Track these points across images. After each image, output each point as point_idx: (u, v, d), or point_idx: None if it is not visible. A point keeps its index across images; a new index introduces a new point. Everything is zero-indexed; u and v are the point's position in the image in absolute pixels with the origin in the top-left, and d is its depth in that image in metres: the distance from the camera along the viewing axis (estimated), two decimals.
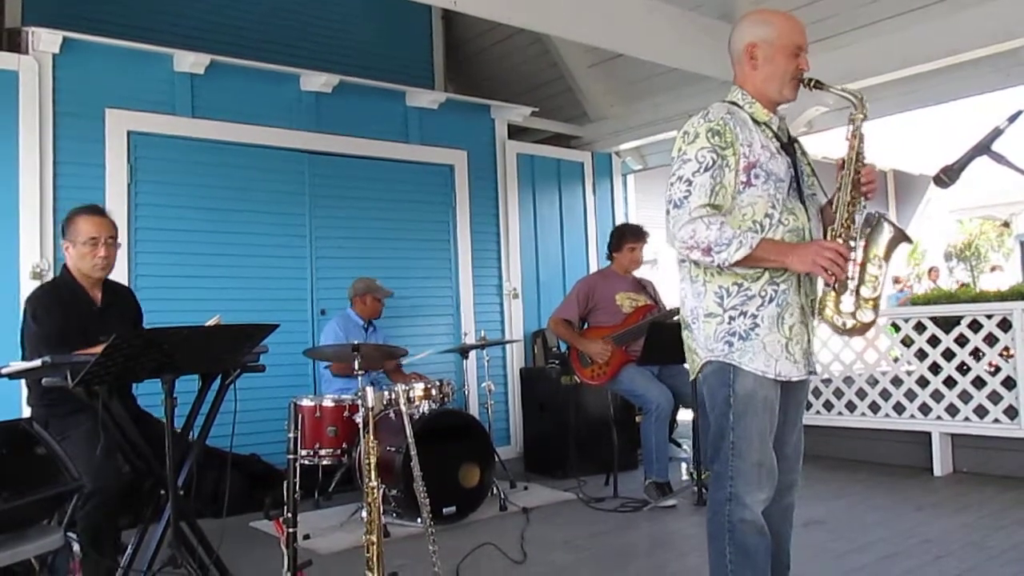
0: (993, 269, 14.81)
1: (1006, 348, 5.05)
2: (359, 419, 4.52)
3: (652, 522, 4.41)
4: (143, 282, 4.96)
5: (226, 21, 6.13)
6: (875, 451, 5.67)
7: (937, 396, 5.26)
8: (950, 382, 5.21)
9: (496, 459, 4.86)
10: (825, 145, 7.82)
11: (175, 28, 5.78)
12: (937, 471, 5.20)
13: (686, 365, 2.48)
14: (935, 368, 5.30)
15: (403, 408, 3.74)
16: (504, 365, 6.70)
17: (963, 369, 5.18)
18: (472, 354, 5.79)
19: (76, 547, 2.86)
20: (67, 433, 2.95)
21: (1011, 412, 4.91)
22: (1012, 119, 2.20)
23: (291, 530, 2.61)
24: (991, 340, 5.07)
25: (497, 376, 6.43)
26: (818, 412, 5.81)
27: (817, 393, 5.83)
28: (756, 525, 2.27)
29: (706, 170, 2.23)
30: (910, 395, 5.40)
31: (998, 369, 5.03)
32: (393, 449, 4.30)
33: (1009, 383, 4.94)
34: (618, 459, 5.17)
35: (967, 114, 8.22)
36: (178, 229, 5.24)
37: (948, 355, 5.24)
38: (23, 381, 3.27)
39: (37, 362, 2.72)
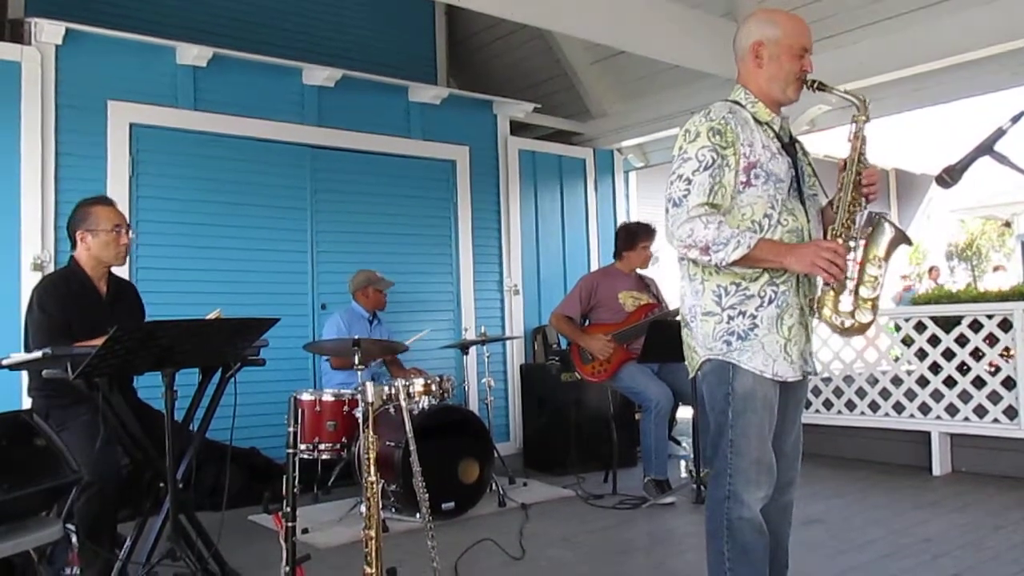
0: (996, 269, 14.78)
1: (1006, 348, 5.05)
2: (359, 414, 4.53)
3: (651, 519, 4.41)
4: (144, 275, 4.96)
5: (229, 14, 6.13)
6: (874, 450, 5.67)
7: (937, 396, 5.26)
8: (950, 382, 5.21)
9: (495, 455, 4.87)
10: (828, 144, 7.82)
11: (178, 21, 5.77)
12: (936, 471, 5.21)
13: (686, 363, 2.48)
14: (935, 368, 5.30)
15: (403, 403, 3.74)
16: (504, 361, 6.70)
17: (963, 369, 5.18)
18: (472, 350, 5.79)
19: (75, 539, 2.87)
20: (66, 424, 2.95)
21: (1011, 412, 4.92)
22: (1015, 119, 2.20)
23: (290, 524, 2.61)
24: (991, 340, 5.08)
25: (497, 372, 6.44)
26: (818, 411, 5.81)
27: (817, 392, 5.83)
28: (755, 523, 2.27)
29: (706, 169, 2.23)
30: (910, 394, 5.40)
31: (998, 369, 5.03)
32: (392, 444, 4.30)
33: (1009, 383, 4.94)
34: (617, 456, 5.18)
35: (970, 114, 8.22)
36: (179, 222, 5.24)
37: (948, 355, 5.24)
38: (23, 372, 3.26)
39: (38, 354, 2.72)
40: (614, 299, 5.05)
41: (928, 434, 5.28)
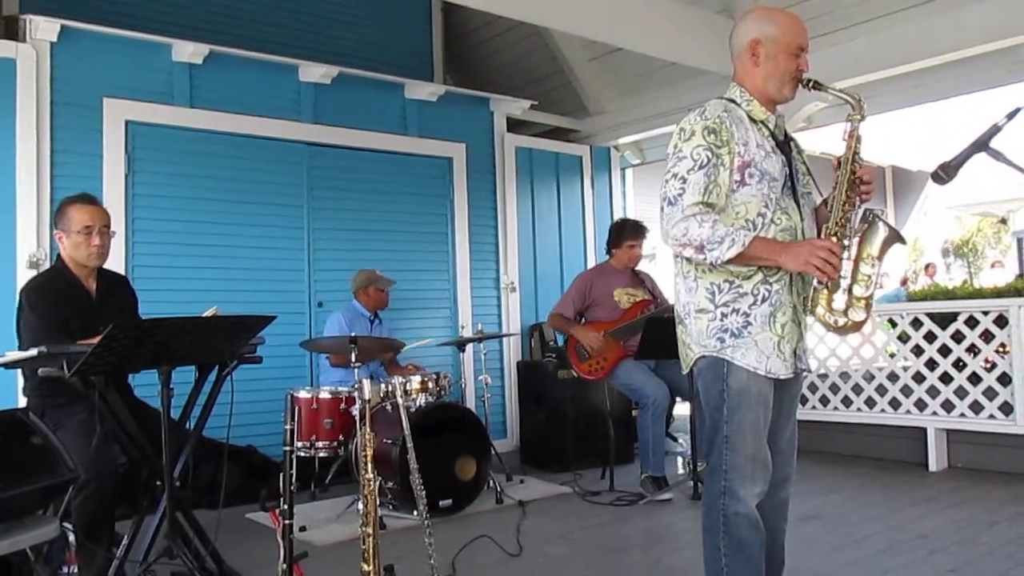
0: (994, 265, 14.79)
1: (1002, 344, 5.06)
2: (356, 411, 4.52)
3: (648, 516, 4.42)
4: (140, 272, 4.95)
5: (226, 11, 6.11)
6: (870, 446, 5.68)
7: (933, 392, 5.27)
8: (946, 378, 5.22)
9: (492, 452, 4.87)
10: (825, 141, 7.83)
11: (174, 18, 5.76)
12: (932, 467, 5.22)
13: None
14: (931, 364, 5.31)
15: (400, 401, 3.74)
16: (501, 359, 6.70)
17: (959, 365, 5.19)
18: (469, 347, 5.79)
19: (72, 537, 2.87)
20: (62, 423, 2.94)
21: (1006, 408, 4.93)
22: (1011, 116, 2.20)
23: (287, 522, 2.61)
24: (987, 336, 5.09)
25: (494, 369, 6.44)
26: (814, 407, 5.82)
27: (813, 388, 5.84)
28: (750, 519, 2.27)
29: (701, 168, 2.23)
30: (906, 391, 5.41)
31: (994, 365, 5.04)
32: (390, 441, 4.31)
33: (1005, 379, 4.95)
34: (614, 453, 5.18)
35: (965, 111, 8.22)
36: (175, 219, 5.23)
37: (944, 351, 5.25)
38: (19, 371, 3.26)
39: (33, 352, 2.71)
40: (609, 296, 5.05)
41: (924, 430, 5.30)
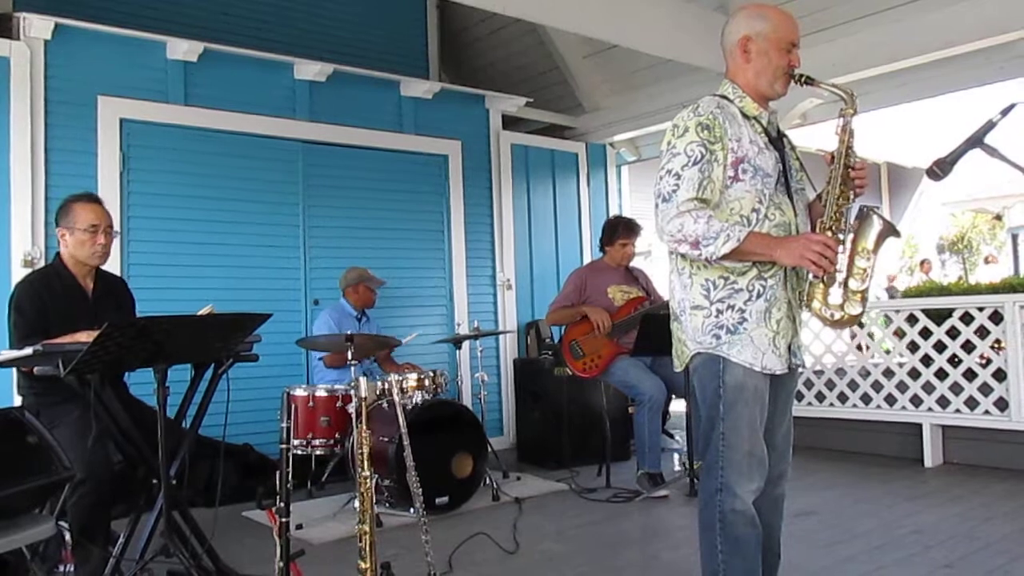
0: (988, 260, 14.81)
1: (997, 341, 5.07)
2: (352, 409, 4.52)
3: (644, 513, 4.43)
4: (136, 271, 4.95)
5: (220, 9, 6.10)
6: (866, 442, 5.69)
7: (928, 388, 5.29)
8: (941, 374, 5.23)
9: (489, 449, 4.87)
10: (820, 137, 7.83)
11: (168, 15, 5.74)
12: (928, 462, 5.24)
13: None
14: (927, 360, 5.33)
15: (396, 398, 3.74)
16: (497, 356, 6.70)
17: (954, 361, 5.21)
18: (465, 345, 5.79)
19: (67, 536, 2.87)
20: (58, 422, 2.94)
21: (1001, 404, 4.94)
22: (1005, 112, 2.21)
23: (284, 520, 2.61)
24: (982, 332, 5.10)
25: (490, 367, 6.44)
26: (810, 403, 5.83)
27: (809, 384, 5.85)
28: (747, 515, 2.28)
29: (695, 164, 2.23)
30: (902, 387, 5.42)
31: (989, 361, 5.05)
32: (386, 439, 4.31)
33: (1000, 375, 4.97)
34: (611, 450, 5.19)
35: (960, 107, 8.23)
36: (171, 218, 5.22)
37: (940, 347, 5.27)
38: (14, 369, 3.25)
39: (28, 350, 2.71)
40: (603, 294, 5.05)
41: (920, 426, 5.31)
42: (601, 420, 5.25)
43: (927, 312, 5.40)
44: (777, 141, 2.40)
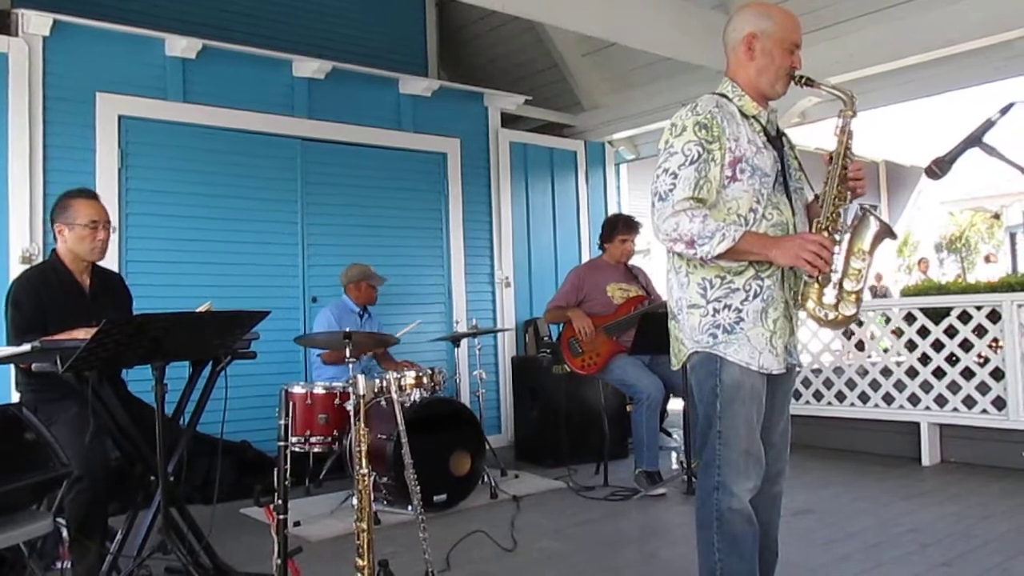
0: (987, 259, 14.81)
1: (995, 339, 5.08)
2: (350, 406, 4.51)
3: (642, 511, 4.43)
4: (133, 268, 4.95)
5: (219, 5, 6.09)
6: (864, 441, 5.70)
7: (926, 387, 5.29)
8: (939, 373, 5.24)
9: (487, 447, 4.87)
10: (818, 137, 7.83)
11: (167, 12, 5.74)
12: (925, 461, 5.24)
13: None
14: (924, 359, 5.33)
15: (394, 396, 3.74)
16: (496, 354, 6.70)
17: (952, 360, 5.21)
18: (464, 342, 5.78)
19: (65, 533, 2.86)
20: (55, 418, 2.94)
21: (999, 403, 4.95)
22: (1004, 111, 2.21)
23: (281, 517, 2.61)
24: (980, 331, 5.10)
25: (488, 365, 6.44)
26: (808, 402, 5.84)
27: (807, 383, 5.86)
28: (744, 514, 2.28)
29: (692, 163, 2.23)
30: (899, 386, 5.43)
31: (987, 360, 5.06)
32: (384, 437, 4.30)
33: (997, 374, 4.97)
34: (609, 448, 5.19)
35: (959, 106, 8.24)
36: (169, 215, 5.22)
37: (937, 346, 5.27)
38: (11, 366, 3.25)
39: (26, 347, 2.71)
40: (602, 292, 5.05)
41: (917, 425, 5.32)
42: (599, 418, 5.25)
43: (925, 311, 5.40)
44: (776, 140, 2.40)
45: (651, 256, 8.97)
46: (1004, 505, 4.18)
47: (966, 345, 5.16)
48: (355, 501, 2.64)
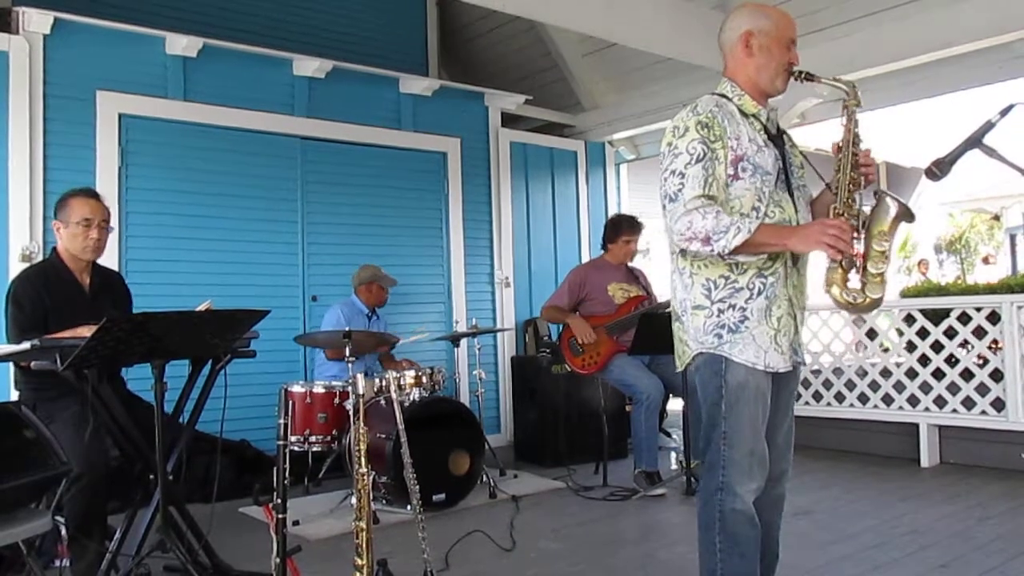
0: (986, 260, 14.80)
1: (995, 341, 5.08)
2: (349, 406, 4.52)
3: (641, 511, 4.43)
4: (133, 266, 4.95)
5: (219, 4, 6.09)
6: (863, 442, 5.70)
7: (925, 388, 5.29)
8: (939, 374, 5.24)
9: (486, 447, 4.87)
10: (819, 137, 7.84)
11: (168, 10, 5.74)
12: (924, 462, 5.24)
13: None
14: (924, 360, 5.33)
15: (394, 395, 3.74)
16: (495, 353, 6.70)
17: (952, 361, 5.21)
18: (463, 342, 5.77)
19: (64, 531, 2.86)
20: (55, 416, 2.94)
21: (998, 404, 4.95)
22: (1004, 113, 2.20)
23: (280, 516, 2.61)
24: (980, 333, 5.11)
25: (488, 364, 6.44)
26: (807, 403, 5.84)
27: (806, 384, 5.86)
28: (747, 515, 2.28)
29: (698, 161, 2.23)
30: (899, 387, 5.43)
31: (986, 361, 5.06)
32: (383, 436, 4.31)
33: (997, 375, 4.97)
34: (608, 448, 5.19)
35: (959, 107, 8.23)
36: (169, 213, 5.22)
37: (937, 347, 5.27)
38: (11, 364, 3.25)
39: (26, 345, 2.70)
40: (604, 291, 5.05)
41: (917, 426, 5.32)
42: (598, 418, 5.25)
43: (924, 312, 5.41)
44: (776, 138, 2.40)
45: (651, 256, 8.97)
46: (1003, 507, 4.18)
47: (966, 346, 5.17)
48: (354, 500, 2.64)
